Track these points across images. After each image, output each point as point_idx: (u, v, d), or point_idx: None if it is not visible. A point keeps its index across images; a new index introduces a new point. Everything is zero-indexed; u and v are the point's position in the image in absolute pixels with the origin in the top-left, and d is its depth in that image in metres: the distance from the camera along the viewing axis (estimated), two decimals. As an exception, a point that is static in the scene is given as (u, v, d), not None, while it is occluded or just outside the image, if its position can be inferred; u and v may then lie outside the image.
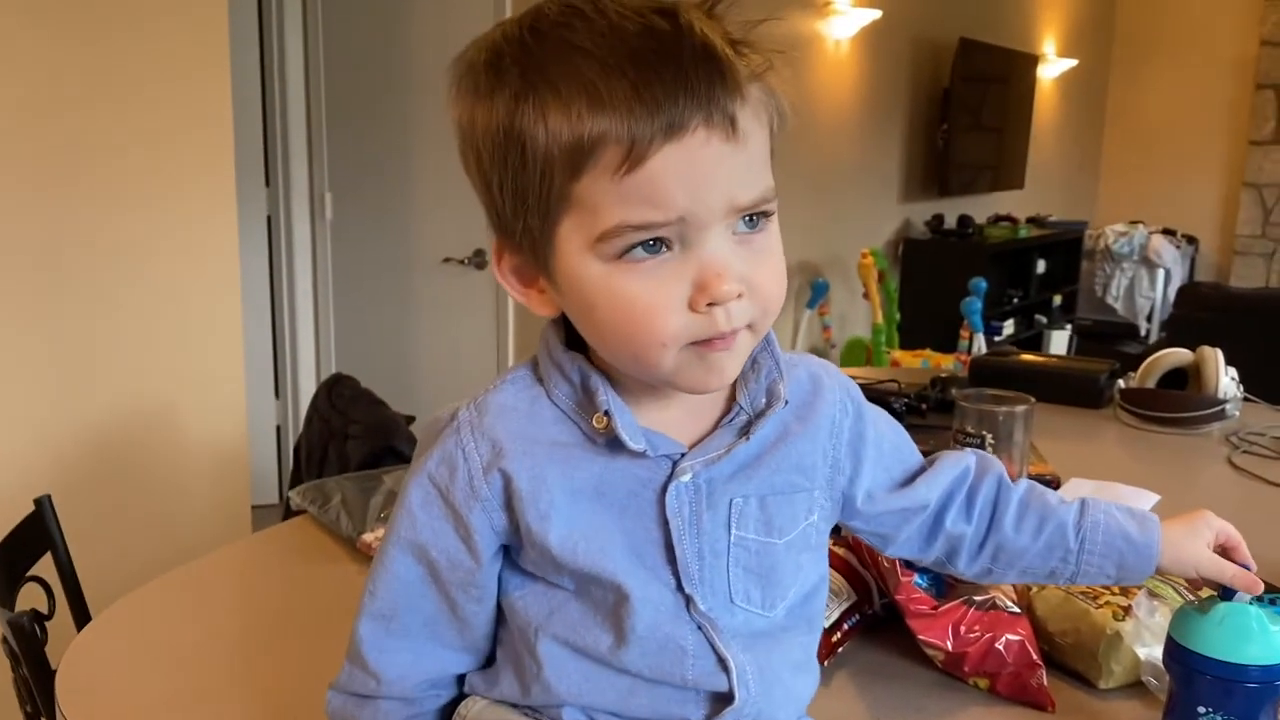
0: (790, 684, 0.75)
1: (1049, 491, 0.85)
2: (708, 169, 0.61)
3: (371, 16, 3.52)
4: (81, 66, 2.11)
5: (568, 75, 0.60)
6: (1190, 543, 0.82)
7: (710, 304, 0.62)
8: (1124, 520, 0.83)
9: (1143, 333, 6.40)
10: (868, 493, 0.79)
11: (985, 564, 0.84)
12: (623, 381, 0.69)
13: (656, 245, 0.62)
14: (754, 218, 0.64)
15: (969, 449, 0.87)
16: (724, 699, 0.71)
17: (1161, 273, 6.41)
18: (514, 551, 0.71)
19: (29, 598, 1.28)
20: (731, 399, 0.72)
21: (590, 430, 0.68)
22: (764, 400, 0.71)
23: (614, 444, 0.68)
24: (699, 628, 0.70)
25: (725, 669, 0.70)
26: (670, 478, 0.69)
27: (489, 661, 0.76)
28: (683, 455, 0.69)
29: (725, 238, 0.63)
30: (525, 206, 0.64)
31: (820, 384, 0.76)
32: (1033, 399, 1.49)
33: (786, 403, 0.72)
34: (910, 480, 0.81)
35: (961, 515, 0.83)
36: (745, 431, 0.70)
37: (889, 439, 0.81)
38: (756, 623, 0.72)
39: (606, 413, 0.67)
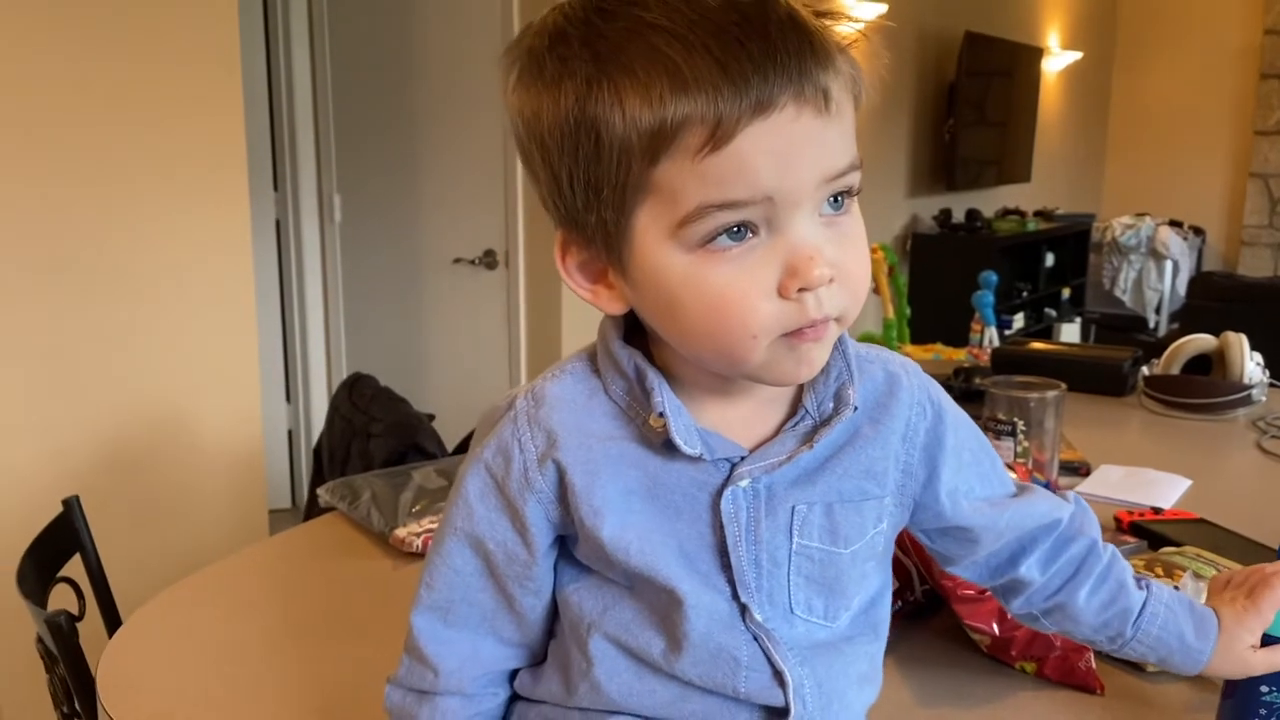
0: (852, 699, 0.71)
1: (1127, 567, 0.81)
2: (797, 145, 0.57)
3: (377, 19, 3.51)
4: (93, 74, 2.11)
5: (645, 55, 0.56)
6: (1238, 647, 0.80)
7: (801, 289, 0.59)
8: (1184, 620, 0.80)
9: (1151, 324, 6.38)
10: (950, 496, 0.73)
11: (1034, 613, 0.81)
12: (683, 379, 0.66)
13: (742, 231, 0.58)
14: (839, 197, 0.61)
15: (1073, 495, 0.82)
16: (779, 713, 0.67)
17: (1169, 264, 6.39)
18: (570, 543, 0.69)
19: (57, 600, 1.28)
20: (797, 401, 0.68)
21: (645, 429, 0.65)
22: (831, 406, 0.67)
23: (669, 444, 0.64)
24: (755, 638, 0.67)
25: (781, 683, 0.67)
26: (727, 482, 0.65)
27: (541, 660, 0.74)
28: (742, 459, 0.66)
29: (813, 220, 0.60)
30: (599, 199, 0.60)
31: (897, 384, 0.71)
32: (1063, 384, 1.48)
33: (856, 409, 0.68)
34: (994, 501, 0.76)
35: (1039, 565, 0.78)
36: (810, 439, 0.66)
37: (972, 450, 0.75)
38: (818, 633, 0.69)
39: (661, 414, 0.64)
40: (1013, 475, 0.81)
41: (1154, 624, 0.79)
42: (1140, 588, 0.81)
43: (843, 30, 0.61)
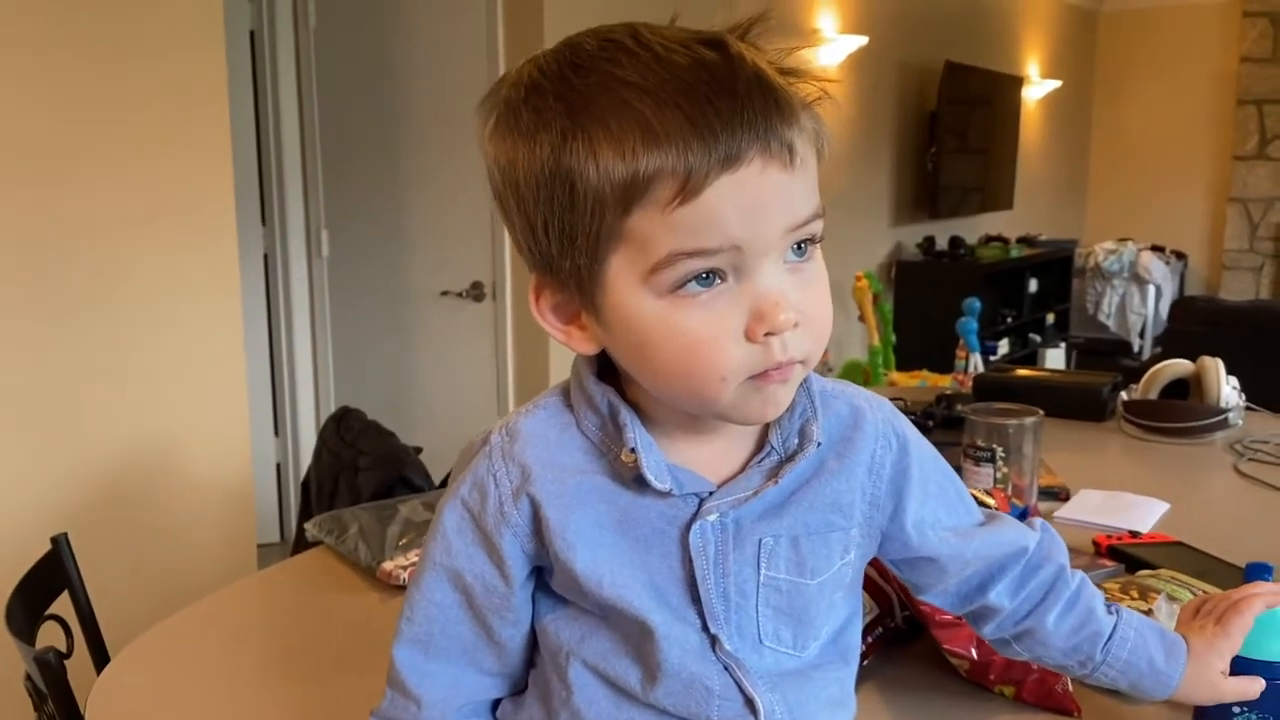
0: None
1: (1097, 593, 0.83)
2: (764, 197, 0.60)
3: (364, 55, 3.55)
4: (82, 111, 2.13)
5: (618, 110, 0.59)
6: (1209, 673, 0.82)
7: (768, 334, 0.61)
8: (1153, 645, 0.82)
9: (1136, 349, 6.43)
10: (916, 527, 0.75)
11: (1006, 638, 0.83)
12: (654, 416, 0.68)
13: (710, 278, 0.61)
14: (803, 245, 0.63)
15: (1040, 522, 0.84)
16: None
17: (1152, 289, 6.45)
18: (546, 574, 0.71)
19: (46, 638, 1.28)
20: (764, 437, 0.70)
21: (617, 464, 0.67)
22: (796, 442, 0.69)
23: (640, 479, 0.66)
24: (726, 668, 0.68)
25: (753, 710, 0.68)
26: (695, 516, 0.67)
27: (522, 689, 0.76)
28: (710, 494, 0.68)
29: (779, 267, 0.62)
30: (573, 245, 0.62)
31: (861, 418, 0.73)
32: (1041, 411, 1.50)
33: (819, 444, 0.70)
34: (960, 530, 0.78)
35: (1007, 592, 0.80)
36: (775, 474, 0.68)
37: (938, 481, 0.77)
38: (787, 663, 0.70)
39: (633, 449, 0.66)
40: (990, 501, 0.82)
41: (1124, 648, 0.81)
42: (1110, 613, 0.82)
43: (807, 88, 0.63)
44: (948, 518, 0.77)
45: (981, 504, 0.84)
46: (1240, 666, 0.82)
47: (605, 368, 0.70)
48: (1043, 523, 0.85)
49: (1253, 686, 0.82)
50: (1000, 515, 0.82)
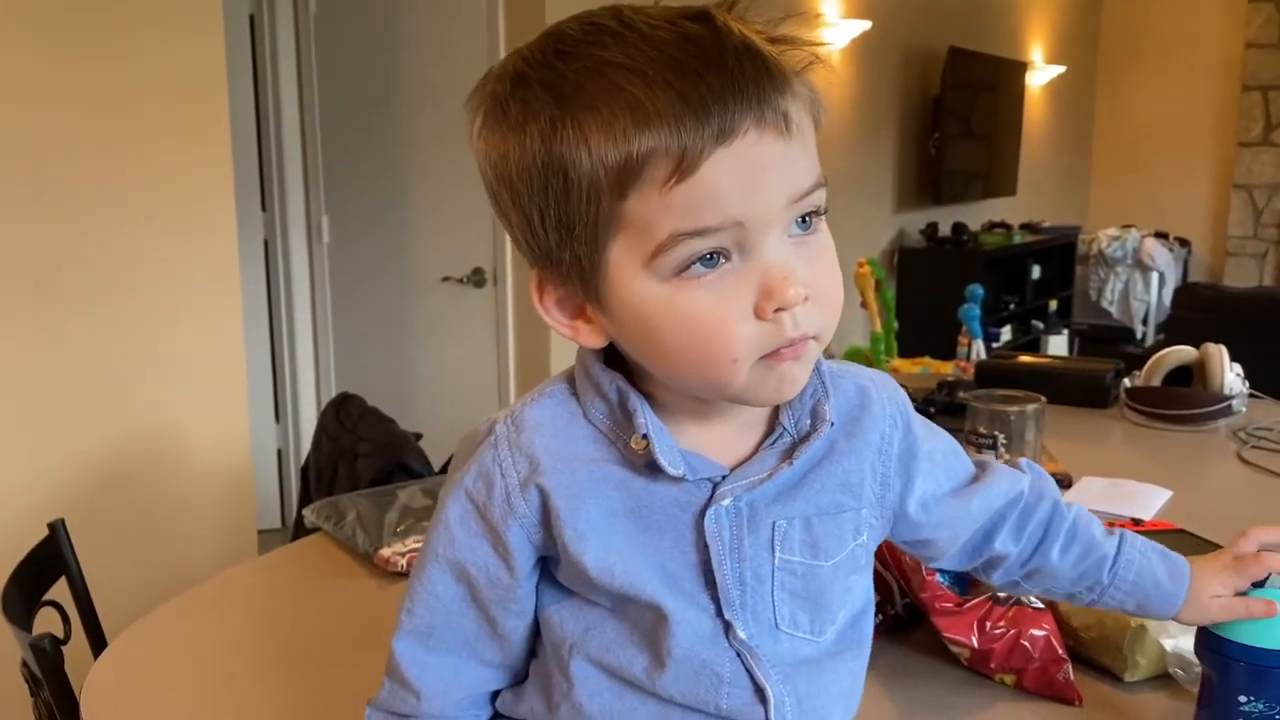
0: (835, 717, 0.72)
1: (1095, 520, 0.84)
2: (762, 168, 0.59)
3: (364, 40, 3.53)
4: (80, 97, 2.12)
5: (607, 93, 0.57)
6: (1205, 596, 0.82)
7: (778, 310, 0.60)
8: (1157, 564, 0.82)
9: (1139, 335, 6.42)
10: (921, 504, 0.75)
11: (1016, 579, 0.84)
12: (664, 401, 0.67)
13: (714, 258, 0.59)
14: (807, 218, 0.62)
15: (1025, 462, 0.85)
16: None
17: (1155, 276, 6.43)
18: (551, 564, 0.70)
19: (43, 624, 1.28)
20: (774, 419, 0.69)
21: (627, 451, 0.66)
22: (808, 423, 0.68)
23: (652, 466, 0.65)
24: (738, 655, 0.67)
25: (763, 700, 0.67)
26: (710, 501, 0.66)
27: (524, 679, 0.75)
28: (723, 478, 0.67)
29: (784, 241, 0.61)
30: (571, 236, 0.61)
31: (868, 398, 0.73)
32: (1043, 398, 1.49)
33: (832, 424, 0.69)
34: (960, 492, 0.79)
35: (1010, 538, 0.81)
36: (789, 455, 0.68)
37: (939, 449, 0.78)
38: (804, 649, 0.69)
39: (645, 435, 0.65)
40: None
41: (1130, 570, 0.82)
42: (1111, 535, 0.83)
43: (798, 55, 0.62)
44: (948, 482, 0.78)
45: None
46: (1247, 656, 0.81)
47: (611, 355, 0.68)
48: (1028, 461, 0.85)
49: (1255, 607, 0.81)
50: (991, 463, 0.83)
